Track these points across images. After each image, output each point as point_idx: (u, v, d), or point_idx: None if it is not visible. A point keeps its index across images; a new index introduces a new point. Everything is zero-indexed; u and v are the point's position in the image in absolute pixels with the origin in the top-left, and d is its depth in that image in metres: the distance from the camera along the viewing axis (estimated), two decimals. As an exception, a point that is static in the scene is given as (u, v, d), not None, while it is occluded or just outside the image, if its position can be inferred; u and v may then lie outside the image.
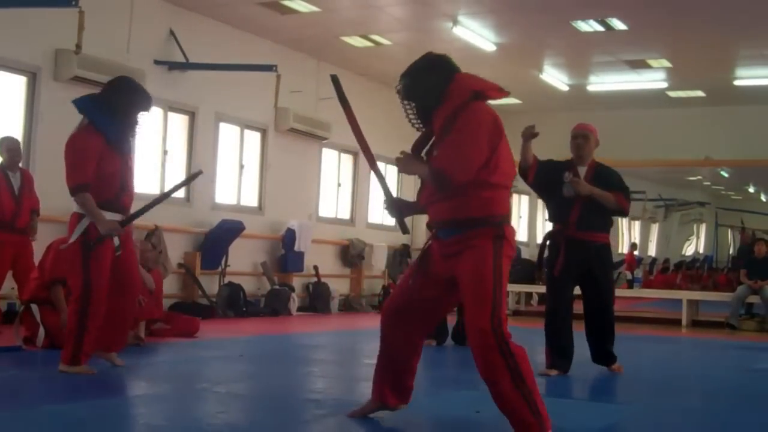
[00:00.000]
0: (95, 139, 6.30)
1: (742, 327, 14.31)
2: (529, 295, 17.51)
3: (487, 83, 4.69)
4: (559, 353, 7.45)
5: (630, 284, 18.15)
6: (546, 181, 7.54)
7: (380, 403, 5.12)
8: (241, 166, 14.47)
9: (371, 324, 12.51)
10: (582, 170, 7.54)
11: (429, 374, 8.20)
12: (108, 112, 6.39)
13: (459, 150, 4.41)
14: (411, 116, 4.87)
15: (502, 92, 4.70)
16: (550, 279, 7.60)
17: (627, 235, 25.92)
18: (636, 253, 23.32)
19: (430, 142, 4.84)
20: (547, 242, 7.69)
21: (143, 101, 6.53)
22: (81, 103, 6.55)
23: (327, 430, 5.19)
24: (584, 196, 7.37)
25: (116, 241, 6.37)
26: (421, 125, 4.87)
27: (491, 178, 4.45)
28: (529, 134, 7.24)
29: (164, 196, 7.10)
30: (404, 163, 4.80)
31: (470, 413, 5.58)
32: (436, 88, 4.65)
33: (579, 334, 7.63)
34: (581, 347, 7.66)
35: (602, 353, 7.77)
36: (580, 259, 7.42)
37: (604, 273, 7.68)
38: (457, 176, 4.38)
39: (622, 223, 25.22)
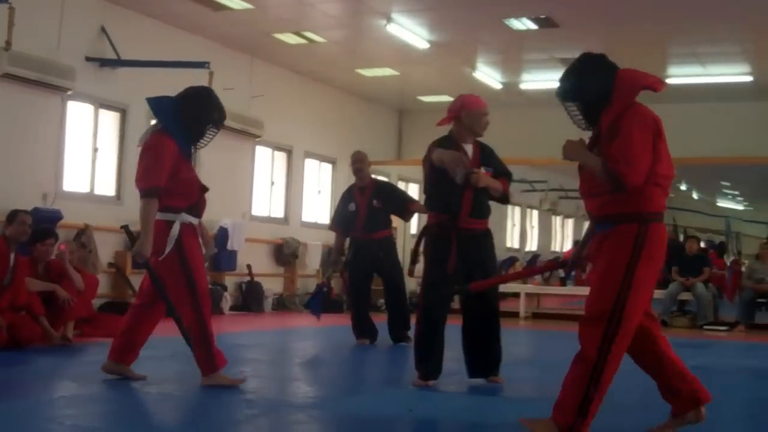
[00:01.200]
0: (170, 144, 6.15)
1: (674, 323, 14.53)
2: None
3: (651, 76, 4.76)
4: (427, 357, 6.64)
5: (563, 282, 18.27)
6: (437, 174, 6.68)
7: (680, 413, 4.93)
8: (174, 165, 14.32)
9: (305, 323, 12.52)
10: (468, 148, 6.87)
11: (361, 373, 8.24)
12: (183, 120, 6.25)
13: (633, 153, 4.45)
14: (575, 117, 4.86)
15: (662, 84, 4.81)
16: (439, 277, 6.62)
17: (560, 232, 26.19)
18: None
19: (593, 141, 4.84)
20: (426, 236, 6.87)
21: (218, 116, 6.39)
22: (158, 105, 6.48)
23: (259, 430, 5.17)
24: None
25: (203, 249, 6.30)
26: (587, 125, 4.86)
27: (648, 177, 4.51)
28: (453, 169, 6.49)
29: None
30: (571, 149, 4.82)
31: (403, 411, 5.61)
32: (603, 87, 4.68)
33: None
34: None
35: (487, 361, 6.85)
36: (472, 251, 6.68)
37: (492, 263, 6.96)
38: (632, 179, 4.41)
39: (556, 220, 25.48)
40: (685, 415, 4.87)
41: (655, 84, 4.76)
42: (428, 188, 6.86)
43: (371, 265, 9.92)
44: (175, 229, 6.07)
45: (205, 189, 6.37)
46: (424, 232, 6.88)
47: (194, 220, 6.25)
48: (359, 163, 10.09)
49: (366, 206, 9.90)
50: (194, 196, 6.26)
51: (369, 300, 10.43)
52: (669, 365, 4.85)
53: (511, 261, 20.18)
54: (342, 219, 10.12)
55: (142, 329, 6.46)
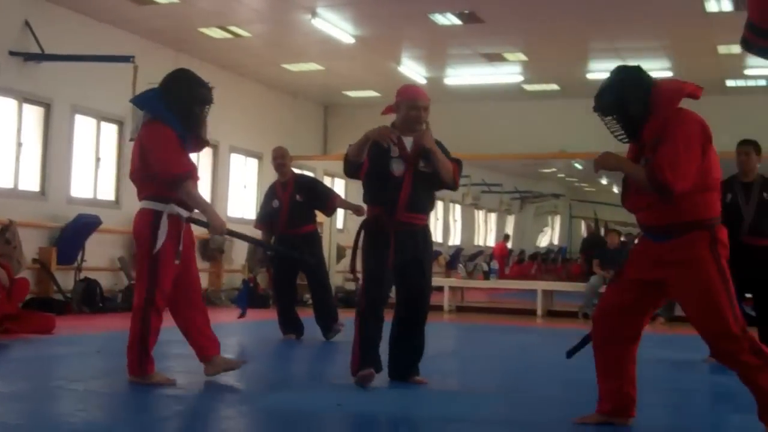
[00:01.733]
0: (169, 130, 5.99)
1: (595, 316, 14.68)
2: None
3: (690, 84, 4.77)
4: (373, 349, 6.46)
5: (486, 275, 18.43)
6: (375, 167, 6.47)
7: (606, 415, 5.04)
8: (98, 159, 14.18)
9: (231, 318, 12.43)
10: (408, 141, 6.49)
11: (289, 368, 8.22)
12: (170, 107, 6.05)
13: (677, 159, 4.50)
14: (616, 131, 4.90)
15: (700, 89, 4.80)
16: (378, 271, 6.40)
17: (483, 226, 26.38)
18: (509, 245, 23.71)
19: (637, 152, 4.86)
20: (364, 231, 6.58)
21: (205, 92, 6.21)
22: (142, 98, 6.25)
23: (186, 425, 5.15)
24: (411, 175, 6.38)
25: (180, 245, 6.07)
26: (626, 138, 4.90)
27: (703, 182, 4.59)
28: (382, 141, 6.37)
29: None
30: (608, 160, 4.87)
31: (332, 406, 5.61)
32: (641, 99, 4.72)
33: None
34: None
35: (410, 361, 6.67)
36: (410, 246, 6.44)
37: (429, 258, 6.70)
38: (677, 186, 4.47)
39: (479, 215, 25.66)
40: (614, 418, 5.03)
41: (696, 91, 4.79)
42: (365, 180, 6.58)
43: (296, 261, 9.90)
44: (164, 222, 5.91)
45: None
46: (362, 227, 6.58)
47: (183, 212, 6.08)
48: (281, 158, 10.06)
49: (289, 202, 9.87)
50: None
51: (295, 295, 10.40)
52: (632, 369, 5.03)
53: (435, 254, 20.27)
54: (266, 216, 10.08)
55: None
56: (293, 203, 9.88)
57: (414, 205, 6.40)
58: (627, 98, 4.76)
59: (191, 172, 5.97)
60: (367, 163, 6.46)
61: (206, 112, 6.24)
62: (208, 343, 6.29)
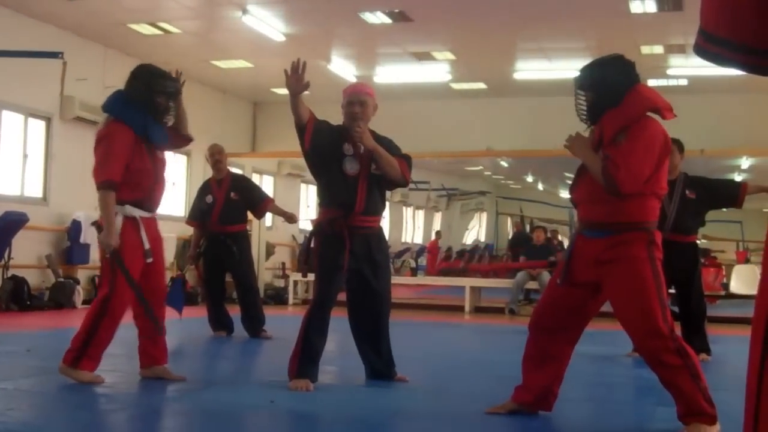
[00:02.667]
0: (123, 132, 5.94)
1: (521, 312, 14.85)
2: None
3: (664, 102, 4.86)
4: (314, 357, 6.28)
5: (414, 272, 18.52)
6: (327, 146, 6.27)
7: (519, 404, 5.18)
8: (25, 156, 13.97)
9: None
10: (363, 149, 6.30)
11: (220, 365, 8.19)
12: (130, 103, 6.03)
13: (633, 161, 4.64)
14: (581, 107, 4.98)
15: (672, 113, 4.85)
16: (332, 276, 6.26)
17: (411, 223, 26.48)
18: (440, 241, 23.79)
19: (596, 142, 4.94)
20: (317, 233, 6.41)
21: (168, 82, 6.12)
22: (106, 101, 6.21)
23: (118, 424, 5.12)
24: (367, 174, 6.25)
25: (146, 244, 6.04)
26: (587, 119, 5.00)
27: (650, 189, 4.75)
28: (299, 87, 6.08)
29: None
30: (578, 145, 4.97)
31: (265, 402, 5.60)
32: (619, 89, 4.81)
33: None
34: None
35: (387, 361, 6.66)
36: (362, 250, 6.31)
37: (386, 266, 6.66)
38: (626, 186, 4.62)
39: (407, 212, 25.75)
40: (529, 409, 5.19)
41: (666, 111, 4.86)
42: (319, 180, 6.44)
43: (224, 258, 9.86)
44: (117, 223, 5.88)
45: (158, 182, 6.23)
46: (315, 230, 6.41)
47: (142, 214, 6.06)
48: (218, 155, 10.03)
49: (223, 199, 9.82)
50: (144, 188, 6.06)
51: (224, 292, 10.33)
52: (564, 368, 5.15)
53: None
54: (198, 212, 10.02)
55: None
56: (228, 201, 9.83)
57: (369, 208, 6.27)
58: (606, 81, 4.87)
59: (112, 183, 5.86)
60: (311, 141, 6.21)
61: (172, 105, 6.18)
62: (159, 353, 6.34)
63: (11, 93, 13.38)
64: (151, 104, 6.05)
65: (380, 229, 6.53)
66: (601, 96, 4.86)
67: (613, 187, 4.64)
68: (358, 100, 6.38)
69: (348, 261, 6.20)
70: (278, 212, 10.14)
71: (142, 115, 6.01)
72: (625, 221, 4.74)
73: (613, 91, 4.82)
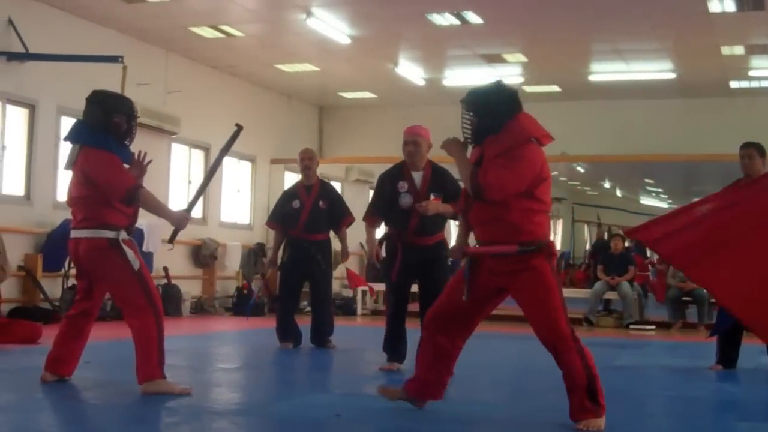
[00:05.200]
0: (112, 156, 6.29)
1: (599, 323, 14.68)
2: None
3: (543, 130, 5.41)
4: (398, 349, 7.94)
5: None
6: (386, 201, 7.89)
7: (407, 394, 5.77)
8: (85, 163, 14.13)
9: (225, 327, 12.45)
10: (417, 175, 7.79)
11: (287, 377, 8.22)
12: (100, 129, 6.35)
13: (502, 173, 5.16)
14: (466, 128, 5.48)
15: (550, 138, 5.40)
16: (389, 281, 7.95)
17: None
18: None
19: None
20: (383, 244, 8.07)
21: (129, 104, 6.53)
22: (72, 132, 6.53)
23: (180, 437, 5.14)
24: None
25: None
26: (471, 140, 5.51)
27: (540, 207, 5.29)
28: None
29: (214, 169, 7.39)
30: (453, 146, 5.51)
31: (330, 416, 5.61)
32: (500, 117, 5.34)
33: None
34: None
35: None
36: (416, 260, 7.74)
37: (440, 271, 7.84)
38: (491, 193, 5.16)
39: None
40: (415, 400, 5.75)
41: (544, 138, 5.39)
42: (383, 210, 7.99)
43: (306, 266, 9.89)
44: (130, 253, 6.19)
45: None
46: (383, 240, 8.03)
47: (127, 238, 6.31)
48: (308, 160, 10.04)
49: (311, 206, 9.85)
50: (130, 214, 6.37)
51: (297, 303, 10.38)
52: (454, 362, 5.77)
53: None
54: (281, 216, 10.06)
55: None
56: (315, 208, 9.87)
57: (421, 231, 7.71)
58: (491, 109, 5.38)
59: (134, 185, 6.21)
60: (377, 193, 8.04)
61: (133, 124, 6.52)
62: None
63: (71, 99, 13.53)
64: (118, 127, 6.39)
65: (436, 244, 7.83)
66: (484, 121, 5.37)
67: (478, 192, 5.20)
68: (412, 140, 7.75)
69: (398, 272, 7.74)
70: (343, 238, 10.19)
71: (104, 137, 6.33)
72: (524, 240, 5.21)
73: (494, 118, 5.35)
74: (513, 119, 5.34)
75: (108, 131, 6.33)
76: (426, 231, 7.74)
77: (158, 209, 6.32)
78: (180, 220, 6.32)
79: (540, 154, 5.34)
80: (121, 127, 6.38)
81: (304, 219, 9.83)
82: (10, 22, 12.39)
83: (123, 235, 6.26)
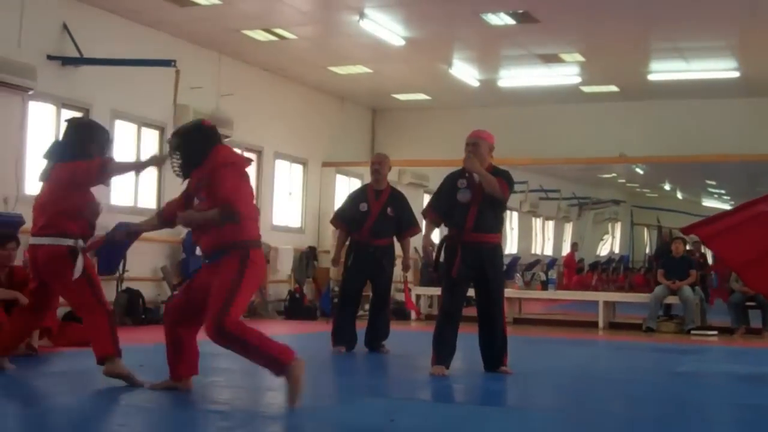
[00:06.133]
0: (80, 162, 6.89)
1: (660, 329, 14.55)
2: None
3: (238, 157, 6.58)
4: (446, 351, 8.02)
5: (544, 286, 18.37)
6: (445, 198, 8.22)
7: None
8: (139, 165, 14.30)
9: (278, 331, 12.50)
10: (477, 177, 8.01)
11: (340, 381, 8.26)
12: (74, 151, 6.95)
13: (237, 189, 6.17)
14: (176, 166, 6.42)
15: (248, 162, 6.56)
16: (447, 280, 8.11)
17: (541, 234, 26.30)
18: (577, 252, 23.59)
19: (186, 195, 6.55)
20: (444, 245, 8.26)
21: (103, 136, 7.17)
22: (53, 151, 7.13)
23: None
24: (478, 200, 7.95)
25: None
26: (182, 175, 6.43)
27: (249, 211, 6.26)
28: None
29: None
30: (189, 219, 6.37)
31: (384, 421, 5.64)
32: (201, 152, 6.30)
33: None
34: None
35: (492, 354, 8.15)
36: (474, 261, 7.98)
37: (495, 273, 8.13)
38: (240, 206, 6.10)
39: (536, 223, 25.59)
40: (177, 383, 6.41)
41: (241, 163, 6.46)
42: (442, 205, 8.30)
43: (370, 270, 9.98)
44: (80, 259, 6.77)
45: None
46: (442, 242, 8.29)
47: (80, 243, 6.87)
48: (378, 164, 10.11)
49: (379, 211, 9.94)
50: (90, 225, 7.01)
51: (358, 306, 10.45)
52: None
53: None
54: (347, 217, 10.14)
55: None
56: (382, 215, 9.96)
57: (477, 228, 7.99)
58: (192, 147, 6.35)
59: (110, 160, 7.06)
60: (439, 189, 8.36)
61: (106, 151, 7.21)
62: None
63: (125, 103, 13.74)
64: (83, 152, 6.97)
65: (493, 246, 8.13)
66: (189, 158, 6.34)
67: (233, 214, 6.08)
68: (471, 142, 8.10)
69: (459, 268, 7.95)
70: (406, 248, 10.24)
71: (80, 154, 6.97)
72: (224, 242, 6.13)
73: (196, 154, 6.31)
74: (212, 151, 6.31)
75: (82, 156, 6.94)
76: (482, 228, 8.00)
77: (134, 166, 7.27)
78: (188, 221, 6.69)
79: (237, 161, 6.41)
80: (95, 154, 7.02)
81: (370, 224, 9.91)
82: (65, 27, 12.60)
83: (81, 243, 6.83)
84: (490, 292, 8.12)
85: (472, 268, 8.01)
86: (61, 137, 7.20)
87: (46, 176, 6.99)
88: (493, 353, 8.13)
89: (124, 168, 7.09)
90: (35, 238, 6.86)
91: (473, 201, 8.01)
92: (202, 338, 6.16)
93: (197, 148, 6.32)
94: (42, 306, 7.22)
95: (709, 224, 7.56)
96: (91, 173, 6.87)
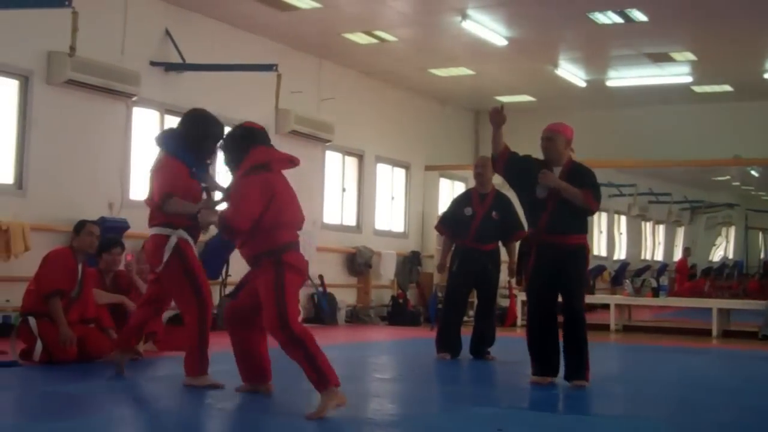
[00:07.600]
0: (179, 164, 7.08)
1: (778, 338, 14.35)
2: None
3: (271, 156, 6.61)
4: (543, 360, 7.84)
5: (655, 293, 18.20)
6: (518, 174, 7.95)
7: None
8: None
9: (381, 336, 12.65)
10: (557, 171, 7.74)
11: (445, 389, 8.31)
12: (184, 143, 7.17)
13: (236, 205, 6.35)
14: (231, 164, 6.62)
15: (293, 162, 6.80)
16: (529, 290, 8.03)
17: (651, 239, 26.05)
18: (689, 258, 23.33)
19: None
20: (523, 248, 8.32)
21: (217, 131, 7.25)
22: (160, 137, 7.37)
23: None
24: (556, 198, 7.64)
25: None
26: (232, 170, 6.62)
27: (277, 219, 6.37)
28: (497, 120, 7.86)
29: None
30: (208, 213, 6.67)
31: (492, 430, 5.63)
32: (240, 155, 6.47)
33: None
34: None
35: (571, 363, 7.76)
36: (550, 261, 7.73)
37: (575, 275, 7.83)
38: (237, 224, 6.30)
39: (646, 227, 25.36)
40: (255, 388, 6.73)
41: (275, 163, 6.62)
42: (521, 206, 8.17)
43: (476, 276, 10.00)
44: (172, 241, 7.02)
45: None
46: (521, 245, 8.43)
47: (190, 240, 7.20)
48: (481, 168, 10.05)
49: (483, 215, 9.95)
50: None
51: (464, 314, 10.50)
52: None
53: (600, 270, 20.16)
54: (452, 222, 10.19)
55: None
56: (487, 218, 9.96)
57: (552, 228, 7.72)
58: (232, 150, 6.59)
59: (172, 194, 6.97)
60: (505, 166, 7.98)
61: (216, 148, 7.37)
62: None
63: (227, 107, 13.93)
64: (206, 146, 7.27)
65: (575, 246, 7.80)
66: (233, 162, 6.57)
67: (227, 228, 6.43)
68: (546, 136, 7.89)
69: (532, 272, 7.83)
70: (511, 252, 10.17)
71: (191, 154, 7.20)
72: (258, 252, 6.40)
73: (238, 156, 6.49)
74: (251, 151, 6.46)
75: (197, 150, 7.21)
76: (558, 228, 7.70)
77: (186, 209, 6.94)
78: (209, 214, 6.77)
79: (261, 178, 6.40)
80: (209, 151, 7.33)
81: (475, 228, 9.92)
82: (167, 33, 12.93)
83: (181, 233, 7.11)
84: (568, 296, 7.82)
85: (550, 271, 7.72)
86: (176, 125, 7.40)
87: (156, 166, 7.22)
88: (574, 362, 7.72)
89: (178, 210, 7.00)
90: (149, 229, 7.18)
91: (551, 198, 7.69)
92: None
93: (233, 150, 6.57)
94: (159, 298, 7.51)
95: None
96: (158, 195, 7.03)
